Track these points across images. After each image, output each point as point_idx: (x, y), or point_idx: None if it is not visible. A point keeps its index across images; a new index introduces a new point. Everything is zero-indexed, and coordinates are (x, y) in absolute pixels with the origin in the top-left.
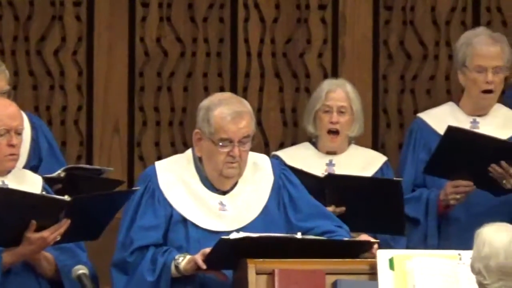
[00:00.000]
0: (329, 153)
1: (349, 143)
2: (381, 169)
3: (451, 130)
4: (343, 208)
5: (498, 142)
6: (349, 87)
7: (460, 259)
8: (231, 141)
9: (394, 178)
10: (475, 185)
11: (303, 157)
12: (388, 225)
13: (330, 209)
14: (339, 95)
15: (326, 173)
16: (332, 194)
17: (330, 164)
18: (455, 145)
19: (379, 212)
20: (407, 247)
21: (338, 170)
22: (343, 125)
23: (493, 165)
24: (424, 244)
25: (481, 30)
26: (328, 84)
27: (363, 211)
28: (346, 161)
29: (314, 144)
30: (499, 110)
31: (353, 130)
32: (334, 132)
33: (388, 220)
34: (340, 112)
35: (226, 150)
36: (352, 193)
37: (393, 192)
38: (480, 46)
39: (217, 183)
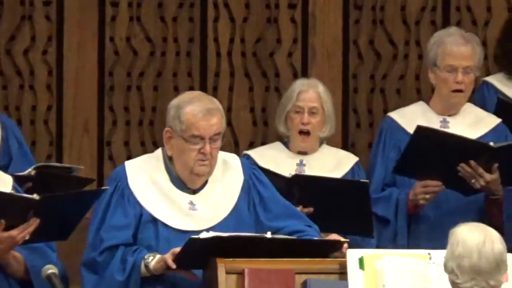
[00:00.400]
0: (300, 153)
1: (321, 144)
2: (352, 169)
3: (420, 129)
4: (310, 209)
5: (468, 142)
6: (321, 88)
7: (430, 258)
8: (202, 138)
9: (361, 180)
10: (444, 184)
11: (274, 157)
12: (356, 227)
13: (297, 209)
14: (311, 95)
15: (293, 173)
16: (299, 194)
17: (301, 164)
18: (424, 144)
19: (346, 214)
20: (377, 247)
21: (309, 171)
22: (315, 125)
23: (463, 165)
24: (393, 243)
25: (453, 30)
26: (300, 84)
27: (330, 212)
28: (317, 162)
29: (286, 144)
30: (470, 109)
31: (325, 131)
32: (305, 133)
33: (356, 221)
34: (312, 113)
35: (197, 147)
36: (319, 194)
37: (360, 194)
38: (452, 45)
39: (187, 181)
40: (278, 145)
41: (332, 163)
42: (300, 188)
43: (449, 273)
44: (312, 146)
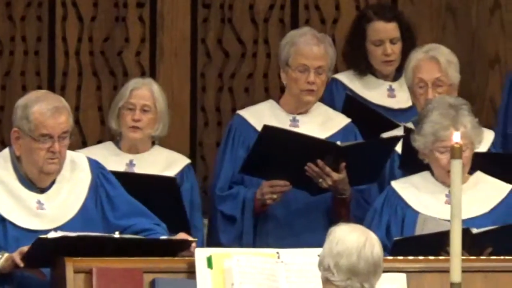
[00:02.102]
0: (131, 151)
1: (153, 144)
2: (182, 171)
3: (267, 129)
4: None
5: (315, 141)
6: (155, 86)
7: (279, 257)
8: (51, 136)
9: (169, 176)
10: (292, 184)
11: (104, 157)
12: (172, 225)
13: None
14: (144, 93)
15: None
16: None
17: (131, 164)
18: (271, 144)
19: (161, 211)
20: (223, 246)
21: (139, 170)
22: (146, 123)
23: (310, 164)
24: (239, 242)
25: (306, 30)
26: (134, 82)
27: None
28: (148, 162)
29: (117, 143)
30: (320, 108)
31: (157, 129)
32: (136, 128)
33: (171, 219)
34: (144, 110)
35: (46, 145)
36: (132, 190)
37: (170, 190)
38: (304, 45)
39: (36, 180)
40: (109, 144)
41: (163, 164)
42: None
43: (324, 270)
44: (143, 145)
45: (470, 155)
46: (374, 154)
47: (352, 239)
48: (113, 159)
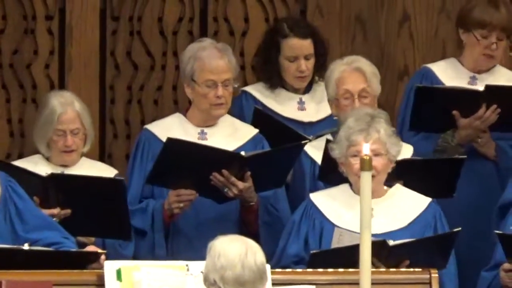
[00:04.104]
0: (61, 165)
1: (81, 156)
2: None
3: (170, 141)
4: (68, 211)
5: (218, 152)
6: (78, 105)
7: (188, 269)
8: None
9: (117, 178)
10: (199, 193)
11: (35, 170)
12: (114, 230)
13: (55, 211)
14: (70, 117)
15: (49, 172)
16: (56, 195)
17: None
18: (175, 156)
19: (104, 216)
20: (136, 258)
21: None
22: (78, 145)
23: (215, 174)
24: (152, 254)
25: (207, 43)
26: (57, 105)
27: (89, 214)
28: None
29: (47, 157)
30: (227, 120)
31: (87, 146)
32: (69, 152)
33: (114, 224)
34: (73, 134)
35: None
36: (77, 194)
37: (115, 193)
38: (209, 60)
39: None
40: (38, 158)
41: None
42: (58, 188)
43: (210, 285)
44: (75, 160)
45: (384, 163)
46: (279, 161)
47: (233, 250)
48: (44, 172)
